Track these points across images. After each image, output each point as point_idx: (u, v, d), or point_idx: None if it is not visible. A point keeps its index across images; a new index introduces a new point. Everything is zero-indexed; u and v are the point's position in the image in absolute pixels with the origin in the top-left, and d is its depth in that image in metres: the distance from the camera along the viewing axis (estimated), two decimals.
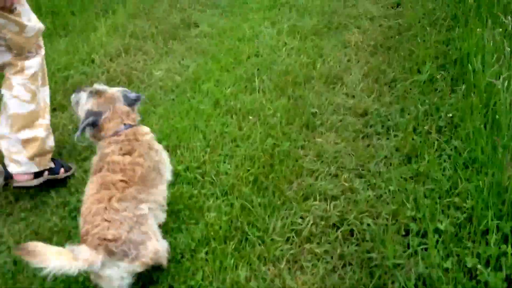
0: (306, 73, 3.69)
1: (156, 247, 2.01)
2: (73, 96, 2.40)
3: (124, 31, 4.61)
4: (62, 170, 2.81)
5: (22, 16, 2.54)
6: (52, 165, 2.77)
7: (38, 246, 1.74)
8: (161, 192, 2.22)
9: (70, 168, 2.87)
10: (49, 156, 2.77)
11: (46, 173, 2.75)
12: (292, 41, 4.20)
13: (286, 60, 3.92)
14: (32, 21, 2.61)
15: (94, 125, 2.22)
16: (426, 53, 3.64)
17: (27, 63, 2.63)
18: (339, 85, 3.56)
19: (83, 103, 2.31)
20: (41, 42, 2.75)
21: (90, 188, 2.06)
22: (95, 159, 2.21)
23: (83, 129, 2.22)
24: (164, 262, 2.13)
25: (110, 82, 3.80)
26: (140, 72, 3.96)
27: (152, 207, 2.12)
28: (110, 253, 1.88)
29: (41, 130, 2.69)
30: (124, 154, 2.13)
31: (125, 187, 2.03)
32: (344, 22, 4.45)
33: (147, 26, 4.73)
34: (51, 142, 2.77)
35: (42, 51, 2.74)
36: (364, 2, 4.81)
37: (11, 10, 2.46)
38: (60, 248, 1.82)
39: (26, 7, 2.60)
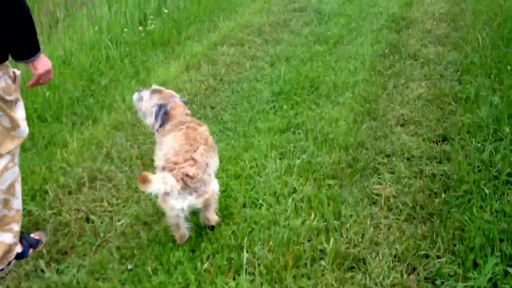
0: (314, 247, 2.67)
1: (214, 187, 2.69)
2: (135, 94, 3.11)
3: (98, 148, 3.74)
4: (30, 250, 2.76)
5: (17, 111, 2.42)
6: (19, 250, 2.71)
7: (148, 175, 2.39)
8: (217, 163, 2.88)
9: (38, 242, 2.82)
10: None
11: (13, 262, 2.67)
12: (303, 186, 3.21)
13: (291, 220, 2.91)
14: (23, 124, 2.48)
15: (166, 113, 2.89)
16: (486, 236, 2.58)
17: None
18: (359, 273, 2.51)
19: (147, 99, 3.02)
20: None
21: (174, 140, 2.71)
22: (168, 125, 2.85)
23: (162, 118, 2.89)
24: (215, 201, 2.76)
25: (57, 233, 2.89)
26: (98, 219, 3.02)
27: (214, 168, 2.78)
28: (185, 187, 2.52)
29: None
30: (198, 125, 2.85)
31: (204, 144, 2.71)
32: (373, 162, 3.45)
33: (128, 145, 3.85)
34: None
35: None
36: (400, 131, 3.82)
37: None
38: (157, 176, 2.47)
39: (22, 104, 2.48)
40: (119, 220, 3.05)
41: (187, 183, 2.51)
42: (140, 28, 6.19)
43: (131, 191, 3.33)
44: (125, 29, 6.03)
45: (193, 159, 2.59)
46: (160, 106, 2.92)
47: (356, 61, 5.20)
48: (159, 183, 2.42)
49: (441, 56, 5.21)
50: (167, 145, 2.72)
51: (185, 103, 3.03)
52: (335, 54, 5.47)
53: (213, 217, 2.82)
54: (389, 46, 5.58)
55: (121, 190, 3.35)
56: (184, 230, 2.72)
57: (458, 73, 4.72)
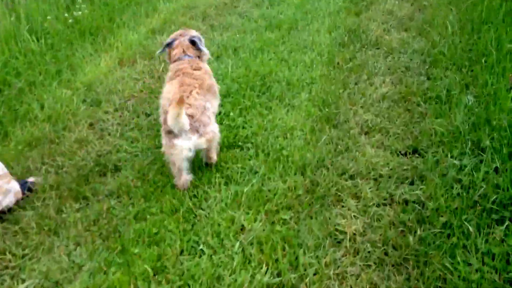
0: None
1: (214, 129, 2.94)
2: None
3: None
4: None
5: None
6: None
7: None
8: (215, 105, 3.17)
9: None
10: None
11: None
12: (252, 224, 2.65)
13: (238, 274, 2.35)
14: None
15: (168, 46, 3.37)
16: None
17: None
18: None
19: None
20: None
21: (173, 85, 2.99)
22: (170, 72, 3.19)
23: (163, 50, 3.39)
24: (216, 143, 3.02)
25: None
26: None
27: (212, 110, 3.05)
28: (184, 129, 2.75)
29: None
30: (194, 70, 3.13)
31: (199, 88, 2.98)
32: (335, 186, 2.91)
33: (43, 169, 3.18)
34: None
35: None
36: (365, 143, 3.29)
37: None
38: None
39: None
40: (23, 281, 2.43)
41: (189, 126, 2.76)
42: (66, 15, 5.36)
43: (43, 235, 2.70)
44: (48, 17, 5.19)
45: (188, 104, 2.82)
46: (167, 42, 3.39)
47: (312, 52, 4.61)
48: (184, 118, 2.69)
49: (405, 44, 4.68)
50: (164, 96, 3.00)
51: (192, 42, 3.32)
52: (289, 43, 4.85)
53: (213, 157, 3.10)
54: (349, 32, 5.01)
55: (30, 235, 2.71)
56: (186, 176, 2.93)
57: (426, 65, 4.22)
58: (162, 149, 2.90)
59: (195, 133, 2.80)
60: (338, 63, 4.39)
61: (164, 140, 2.86)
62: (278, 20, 5.46)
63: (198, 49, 3.32)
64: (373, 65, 4.32)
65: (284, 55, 4.60)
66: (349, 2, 5.90)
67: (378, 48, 4.68)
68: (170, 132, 2.78)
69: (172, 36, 3.41)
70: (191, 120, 2.76)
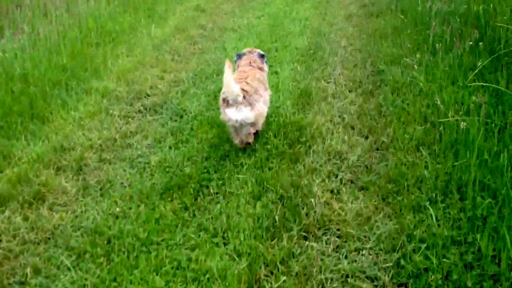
0: None
1: (262, 109, 3.79)
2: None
3: None
4: None
5: None
6: None
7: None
8: (266, 96, 4.01)
9: None
10: None
11: None
12: None
13: None
14: None
15: (239, 57, 4.35)
16: None
17: None
18: None
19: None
20: None
21: (238, 73, 4.02)
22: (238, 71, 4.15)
23: (236, 60, 4.36)
24: (262, 122, 3.90)
25: None
26: None
27: (263, 99, 3.88)
28: (242, 99, 3.62)
29: None
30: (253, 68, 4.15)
31: (253, 77, 3.92)
32: None
33: None
34: None
35: None
36: None
37: None
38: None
39: None
40: None
41: (244, 95, 3.62)
42: None
43: None
44: None
45: (246, 82, 3.78)
46: (238, 54, 4.42)
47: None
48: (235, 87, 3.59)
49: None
50: (234, 76, 3.85)
51: (262, 56, 4.36)
52: None
53: (252, 137, 3.85)
54: None
55: None
56: (242, 137, 3.81)
57: None
58: (220, 116, 3.80)
59: (247, 106, 3.63)
60: None
61: (221, 108, 3.77)
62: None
63: (262, 61, 4.28)
64: None
65: None
66: None
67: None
68: (225, 101, 3.66)
69: (243, 51, 4.43)
70: (245, 94, 3.63)
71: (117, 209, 3.45)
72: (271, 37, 6.90)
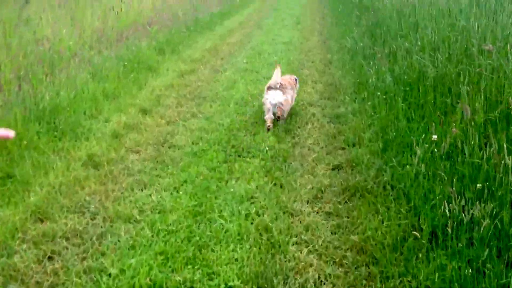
0: None
1: (289, 98, 5.37)
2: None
3: None
4: None
5: None
6: None
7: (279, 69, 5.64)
8: (291, 94, 5.48)
9: None
10: None
11: None
12: None
13: None
14: None
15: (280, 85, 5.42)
16: None
17: None
18: None
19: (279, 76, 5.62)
20: None
21: (282, 78, 5.55)
22: (282, 78, 5.68)
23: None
24: (286, 109, 5.31)
25: None
26: None
27: (290, 94, 5.44)
28: (277, 87, 5.26)
29: None
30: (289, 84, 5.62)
31: (286, 82, 5.51)
32: None
33: None
34: None
35: None
36: None
37: None
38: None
39: None
40: None
41: (281, 84, 5.30)
42: None
43: None
44: None
45: (285, 81, 5.49)
46: (280, 84, 5.44)
47: None
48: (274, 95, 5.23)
49: None
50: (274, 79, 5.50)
51: (296, 79, 5.96)
52: None
53: (279, 113, 5.19)
54: None
55: None
56: (271, 115, 5.17)
57: None
58: (262, 99, 5.38)
59: (282, 91, 5.24)
60: None
61: (264, 93, 5.40)
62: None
63: (295, 81, 5.89)
64: None
65: None
66: None
67: None
68: (269, 88, 5.30)
69: (285, 77, 5.82)
70: (282, 85, 5.28)
71: None
72: None
